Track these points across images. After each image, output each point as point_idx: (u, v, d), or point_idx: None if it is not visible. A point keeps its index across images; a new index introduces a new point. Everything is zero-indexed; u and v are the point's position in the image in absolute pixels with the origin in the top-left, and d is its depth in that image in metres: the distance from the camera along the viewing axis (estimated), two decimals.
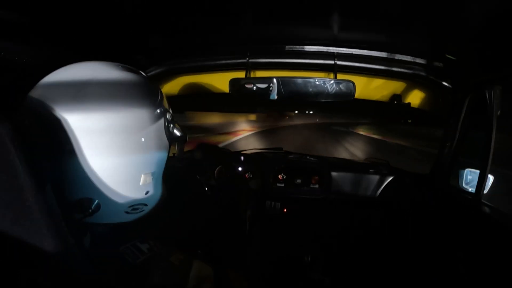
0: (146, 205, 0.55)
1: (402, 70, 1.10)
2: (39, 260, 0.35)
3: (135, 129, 0.49)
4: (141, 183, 0.52)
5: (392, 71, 1.11)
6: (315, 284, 1.37)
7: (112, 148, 0.47)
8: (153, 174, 0.54)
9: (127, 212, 0.53)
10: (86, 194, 0.47)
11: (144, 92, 0.52)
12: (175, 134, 0.58)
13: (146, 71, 1.22)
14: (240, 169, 1.50)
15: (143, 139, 0.50)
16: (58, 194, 0.40)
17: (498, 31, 0.75)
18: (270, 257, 1.44)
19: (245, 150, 1.65)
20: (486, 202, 0.96)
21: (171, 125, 0.57)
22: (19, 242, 0.35)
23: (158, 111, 0.54)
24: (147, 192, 0.54)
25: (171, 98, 1.43)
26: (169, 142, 0.58)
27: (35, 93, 0.46)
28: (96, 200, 0.48)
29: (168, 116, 0.56)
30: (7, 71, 0.64)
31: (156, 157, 0.54)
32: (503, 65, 0.88)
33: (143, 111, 0.50)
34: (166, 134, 0.56)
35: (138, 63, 1.20)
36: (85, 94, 0.46)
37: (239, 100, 1.11)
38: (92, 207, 0.47)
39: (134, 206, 0.53)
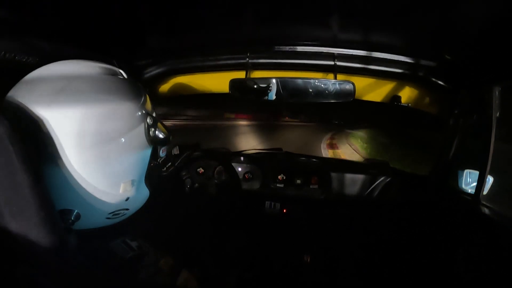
0: (127, 209, 0.55)
1: (402, 71, 1.10)
2: (35, 255, 0.36)
3: (114, 134, 0.47)
4: (121, 191, 0.51)
5: (392, 72, 1.11)
6: (315, 284, 1.37)
7: (90, 154, 0.45)
8: (133, 181, 0.53)
9: (108, 218, 0.53)
10: (65, 205, 0.46)
11: (124, 96, 0.51)
12: (157, 137, 0.56)
13: (145, 71, 1.23)
14: (240, 169, 1.50)
15: (121, 146, 0.48)
16: None
17: (498, 32, 0.75)
18: (270, 258, 1.44)
19: (245, 150, 1.65)
20: (485, 203, 0.96)
21: (153, 129, 0.55)
22: (16, 238, 0.35)
23: (139, 114, 0.52)
24: (127, 199, 0.54)
25: (171, 99, 1.43)
26: (151, 146, 0.56)
27: (14, 91, 0.45)
28: (76, 211, 0.47)
29: (149, 120, 0.54)
30: (7, 71, 0.64)
31: (136, 163, 0.53)
32: (503, 65, 0.88)
33: (121, 117, 0.49)
34: (147, 139, 0.54)
35: (138, 63, 1.20)
36: (64, 94, 0.44)
37: (239, 100, 1.11)
38: (72, 218, 0.47)
39: (115, 212, 0.53)
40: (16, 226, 0.35)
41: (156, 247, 0.58)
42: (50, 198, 0.38)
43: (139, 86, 0.56)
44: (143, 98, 0.54)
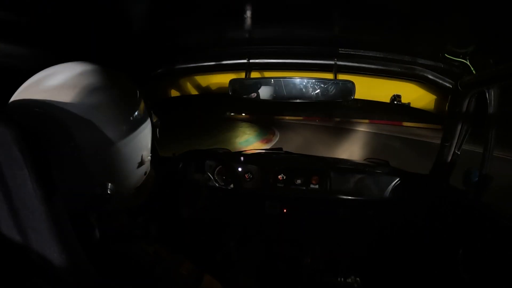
0: (146, 186, 0.58)
1: (402, 70, 1.10)
2: (45, 268, 0.35)
3: (132, 120, 0.51)
4: (142, 161, 0.55)
5: (392, 71, 1.11)
6: (315, 284, 1.37)
7: (117, 132, 0.47)
8: (148, 153, 0.58)
9: (134, 195, 0.55)
10: (99, 180, 0.48)
11: (131, 86, 0.54)
12: (155, 119, 0.63)
13: (145, 72, 1.23)
14: (240, 169, 1.50)
15: (138, 128, 0.53)
16: (72, 189, 0.41)
17: (498, 31, 0.75)
18: (270, 258, 1.44)
19: (245, 150, 1.65)
20: (486, 201, 0.96)
21: (151, 111, 0.61)
22: (25, 251, 0.34)
23: (143, 100, 0.56)
24: (145, 173, 0.58)
25: (171, 99, 1.44)
26: (152, 127, 0.62)
27: (20, 95, 0.44)
28: (109, 184, 0.48)
29: (148, 102, 0.59)
30: (8, 73, 0.64)
31: (147, 138, 0.57)
32: (503, 65, 0.88)
33: (132, 106, 0.52)
34: (151, 120, 0.60)
35: (139, 64, 1.20)
36: (78, 98, 0.44)
37: (239, 100, 1.11)
38: (108, 191, 0.48)
39: (139, 187, 0.56)
40: (24, 238, 0.34)
41: (173, 252, 0.57)
42: (63, 209, 0.37)
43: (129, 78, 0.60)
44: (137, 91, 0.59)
